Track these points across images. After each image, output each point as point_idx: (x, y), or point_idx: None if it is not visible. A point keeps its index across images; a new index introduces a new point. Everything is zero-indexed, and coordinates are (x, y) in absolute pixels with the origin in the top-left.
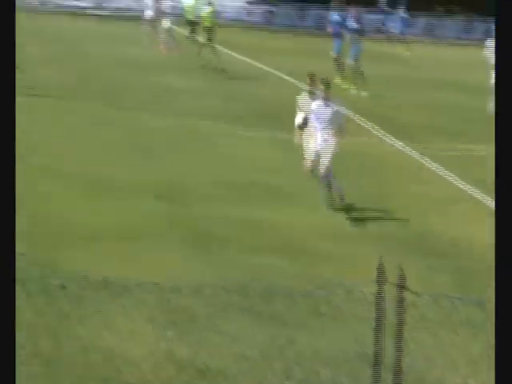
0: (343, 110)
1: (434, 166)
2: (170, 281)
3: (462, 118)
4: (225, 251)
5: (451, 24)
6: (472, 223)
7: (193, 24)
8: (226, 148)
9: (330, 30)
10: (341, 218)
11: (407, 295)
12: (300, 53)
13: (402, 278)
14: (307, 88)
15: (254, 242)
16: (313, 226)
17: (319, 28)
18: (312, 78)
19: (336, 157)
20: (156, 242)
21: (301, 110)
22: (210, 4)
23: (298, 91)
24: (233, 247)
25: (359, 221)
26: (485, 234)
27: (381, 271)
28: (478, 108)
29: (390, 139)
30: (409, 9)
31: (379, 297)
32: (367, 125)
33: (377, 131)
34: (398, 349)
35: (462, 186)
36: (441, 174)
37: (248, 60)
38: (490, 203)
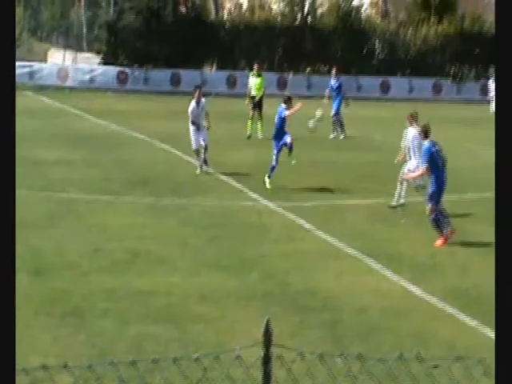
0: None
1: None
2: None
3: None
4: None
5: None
6: (347, 278)
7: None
8: (98, 218)
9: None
10: (220, 280)
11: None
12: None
13: (269, 333)
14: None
15: (133, 312)
16: (191, 290)
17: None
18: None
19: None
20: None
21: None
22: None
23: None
24: (111, 318)
25: (239, 280)
26: (363, 289)
27: (267, 333)
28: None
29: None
30: None
31: (266, 359)
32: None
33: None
34: None
35: (335, 243)
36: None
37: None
38: (366, 260)
